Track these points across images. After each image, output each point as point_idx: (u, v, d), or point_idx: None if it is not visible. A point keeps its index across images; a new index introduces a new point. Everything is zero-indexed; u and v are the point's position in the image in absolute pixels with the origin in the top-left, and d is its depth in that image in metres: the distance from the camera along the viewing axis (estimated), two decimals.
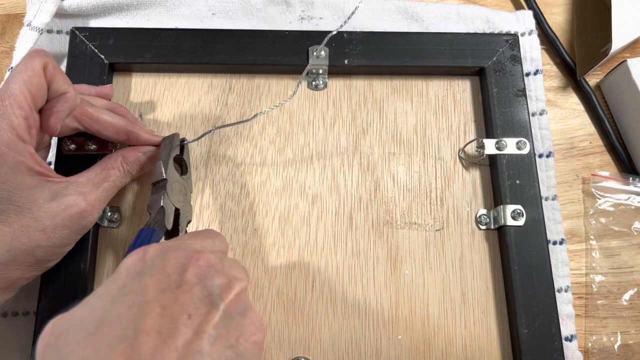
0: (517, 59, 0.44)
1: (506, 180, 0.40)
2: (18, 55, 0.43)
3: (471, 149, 0.43)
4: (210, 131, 0.40)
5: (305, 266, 0.40)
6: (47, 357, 0.24)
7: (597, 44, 0.47)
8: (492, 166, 0.42)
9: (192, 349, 0.23)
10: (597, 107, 0.47)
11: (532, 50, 0.47)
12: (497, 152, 0.41)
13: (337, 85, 0.44)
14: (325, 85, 0.44)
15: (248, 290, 0.30)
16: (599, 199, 0.45)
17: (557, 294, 0.40)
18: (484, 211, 0.42)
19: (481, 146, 0.42)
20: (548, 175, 0.44)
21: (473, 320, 0.39)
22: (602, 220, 0.44)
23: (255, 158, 0.42)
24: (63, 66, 0.43)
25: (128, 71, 0.44)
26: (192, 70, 0.44)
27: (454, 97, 0.45)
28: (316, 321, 0.39)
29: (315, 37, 0.43)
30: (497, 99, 0.42)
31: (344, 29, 0.46)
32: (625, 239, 0.44)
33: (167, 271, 0.25)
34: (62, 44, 0.46)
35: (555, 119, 0.48)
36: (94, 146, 0.39)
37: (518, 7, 0.50)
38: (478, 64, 0.43)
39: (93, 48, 0.42)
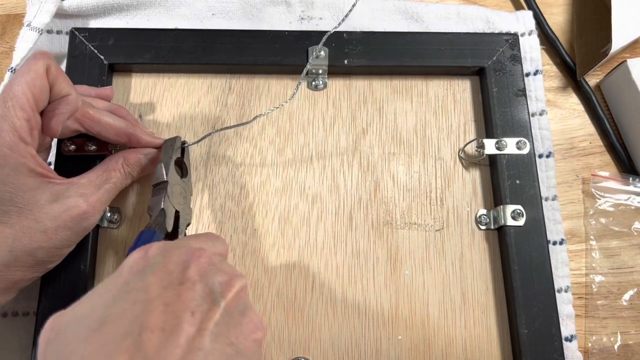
0: (517, 59, 0.44)
1: (506, 180, 0.40)
2: (18, 56, 0.43)
3: (471, 149, 0.43)
4: (210, 134, 0.40)
5: (305, 266, 0.40)
6: (49, 353, 0.24)
7: (597, 44, 0.47)
8: (492, 166, 0.42)
9: (195, 346, 0.23)
10: (597, 107, 0.47)
11: (532, 51, 0.47)
12: (497, 152, 0.41)
13: (337, 85, 0.44)
14: (325, 86, 0.44)
15: (248, 289, 0.31)
16: (599, 199, 0.45)
17: (557, 294, 0.40)
18: (484, 211, 0.42)
19: (481, 146, 0.42)
20: (548, 176, 0.44)
21: (473, 320, 0.39)
22: (602, 220, 0.44)
23: (255, 158, 0.42)
24: (63, 66, 0.43)
25: (128, 72, 0.44)
26: (191, 70, 0.44)
27: (454, 97, 0.45)
28: (316, 321, 0.39)
29: (315, 37, 0.43)
30: (497, 99, 0.42)
31: (344, 29, 0.46)
32: (625, 239, 0.44)
33: (169, 268, 0.26)
34: (61, 44, 0.46)
35: (555, 119, 0.48)
36: (94, 147, 0.39)
37: (518, 7, 0.50)
38: (478, 64, 0.43)
39: (92, 48, 0.42)
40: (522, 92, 0.43)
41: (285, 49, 0.43)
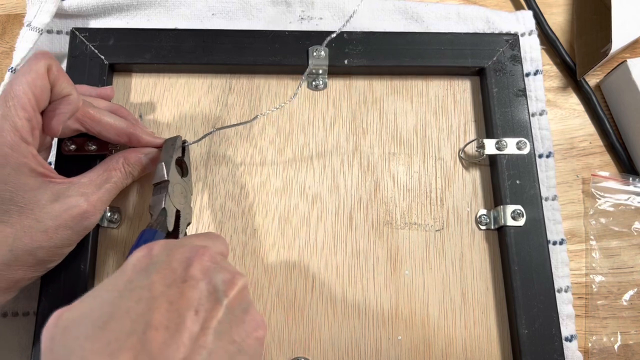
0: (517, 59, 0.44)
1: (506, 180, 0.40)
2: (18, 56, 0.43)
3: (471, 149, 0.43)
4: (211, 132, 0.40)
5: (305, 266, 0.40)
6: (55, 350, 0.24)
7: (597, 44, 0.47)
8: (492, 166, 0.42)
9: (199, 344, 0.23)
10: (597, 107, 0.47)
11: (532, 51, 0.47)
12: (497, 152, 0.41)
13: (337, 85, 0.44)
14: (325, 86, 0.44)
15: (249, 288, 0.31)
16: (599, 199, 0.45)
17: (557, 294, 0.40)
18: (484, 211, 0.42)
19: (481, 146, 0.42)
20: (548, 176, 0.44)
21: (473, 320, 0.39)
22: (602, 220, 0.44)
23: (255, 158, 0.42)
24: (63, 66, 0.43)
25: (128, 72, 0.44)
26: (192, 70, 0.44)
27: (454, 97, 0.45)
28: (316, 321, 0.39)
29: (315, 37, 0.43)
30: (497, 99, 0.42)
31: (344, 29, 0.46)
32: (625, 239, 0.44)
33: (173, 266, 0.26)
34: (62, 44, 0.46)
35: (555, 119, 0.48)
36: (94, 147, 0.39)
37: (518, 7, 0.50)
38: (478, 64, 0.43)
39: (93, 48, 0.42)
40: (522, 92, 0.43)
41: (285, 49, 0.43)
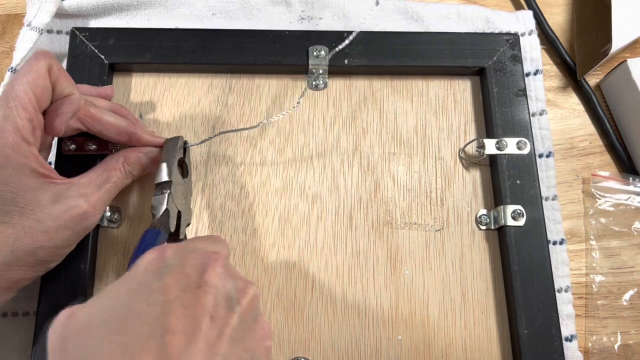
0: (517, 59, 0.44)
1: (506, 180, 0.40)
2: (18, 56, 0.43)
3: (471, 149, 0.43)
4: (214, 136, 0.40)
5: (305, 266, 0.40)
6: (68, 351, 0.24)
7: (597, 44, 0.47)
8: (492, 166, 0.42)
9: (215, 350, 0.23)
10: (597, 107, 0.47)
11: (532, 50, 0.47)
12: (498, 152, 0.41)
13: (337, 85, 0.44)
14: (325, 85, 0.44)
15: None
16: (599, 199, 0.45)
17: (557, 294, 0.40)
18: (484, 211, 0.42)
19: (481, 146, 0.42)
20: (548, 175, 0.44)
21: (473, 320, 0.39)
22: (602, 220, 0.44)
23: (255, 158, 0.42)
24: (63, 66, 0.43)
25: (128, 71, 0.44)
26: (192, 70, 0.44)
27: (454, 97, 0.45)
28: (316, 321, 0.39)
29: (315, 37, 0.43)
30: (497, 99, 0.42)
31: (344, 29, 0.46)
32: (625, 239, 0.44)
33: (187, 271, 0.26)
34: (62, 44, 0.45)
35: (555, 119, 0.48)
36: (94, 146, 0.39)
37: (518, 7, 0.50)
38: (478, 64, 0.43)
39: (93, 48, 0.42)
40: (523, 92, 0.43)
41: (285, 49, 0.43)
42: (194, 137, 0.42)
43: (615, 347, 0.42)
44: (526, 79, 0.45)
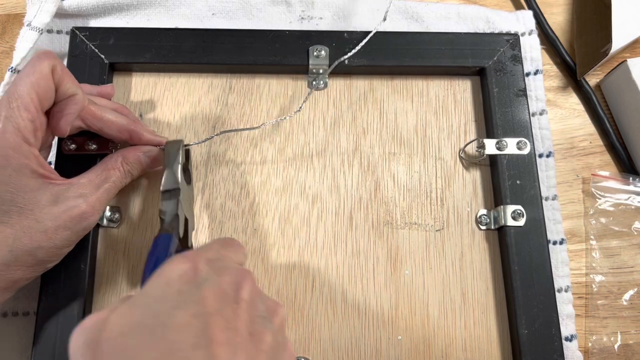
0: (517, 59, 0.44)
1: (506, 180, 0.40)
2: (18, 55, 0.43)
3: (471, 149, 0.43)
4: (214, 136, 0.40)
5: (305, 266, 0.40)
6: (107, 353, 0.23)
7: (597, 44, 0.47)
8: (492, 166, 0.42)
9: None
10: (597, 107, 0.47)
11: (532, 50, 0.47)
12: (498, 152, 0.41)
13: (337, 85, 0.44)
14: (326, 85, 0.44)
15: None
16: (599, 199, 0.45)
17: (557, 294, 0.40)
18: (484, 211, 0.42)
19: (481, 146, 0.42)
20: (548, 175, 0.44)
21: (473, 320, 0.39)
22: (602, 220, 0.44)
23: (255, 158, 0.42)
24: None
25: (128, 71, 0.44)
26: (192, 70, 0.44)
27: (455, 97, 0.45)
28: (316, 321, 0.39)
29: (315, 37, 0.43)
30: (497, 99, 0.42)
31: (344, 28, 0.46)
32: (625, 239, 0.44)
33: (223, 287, 0.26)
34: (62, 44, 0.45)
35: (555, 119, 0.48)
36: (94, 146, 0.39)
37: (518, 7, 0.50)
38: (478, 64, 0.43)
39: (93, 48, 0.42)
40: (523, 92, 0.43)
41: (285, 49, 0.43)
42: (194, 137, 0.42)
43: (615, 347, 0.42)
44: (526, 78, 0.45)
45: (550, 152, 0.44)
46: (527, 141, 0.41)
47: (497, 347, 0.39)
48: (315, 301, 0.39)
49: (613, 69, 0.47)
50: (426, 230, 0.41)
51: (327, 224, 0.41)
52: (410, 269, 0.40)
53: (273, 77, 0.44)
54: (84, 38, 0.42)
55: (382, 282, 0.40)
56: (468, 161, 0.43)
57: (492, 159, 0.42)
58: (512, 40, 0.44)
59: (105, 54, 0.42)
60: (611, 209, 0.45)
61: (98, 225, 0.40)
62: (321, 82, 0.44)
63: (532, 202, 0.40)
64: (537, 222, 0.40)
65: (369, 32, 0.44)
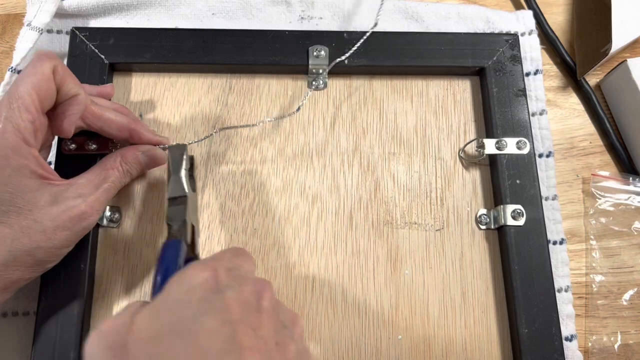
0: (517, 59, 0.44)
1: (506, 180, 0.40)
2: (18, 55, 0.43)
3: (471, 148, 0.43)
4: (212, 134, 0.40)
5: (305, 266, 0.40)
6: (136, 356, 0.24)
7: (597, 44, 0.47)
8: (492, 166, 0.42)
9: None
10: (597, 107, 0.47)
11: (532, 50, 0.47)
12: (497, 152, 0.41)
13: (337, 85, 0.44)
14: (325, 85, 0.44)
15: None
16: (599, 198, 0.45)
17: (557, 294, 0.40)
18: (484, 211, 0.42)
19: (481, 146, 0.42)
20: (548, 175, 0.44)
21: (473, 320, 0.39)
22: (602, 220, 0.44)
23: (255, 158, 0.42)
24: None
25: (128, 71, 0.44)
26: (192, 70, 0.44)
27: (454, 97, 0.45)
28: (316, 321, 0.39)
29: (315, 37, 0.43)
30: (497, 99, 0.42)
31: (344, 29, 0.46)
32: (625, 239, 0.44)
33: (245, 296, 0.26)
34: (62, 44, 0.45)
35: (555, 119, 0.48)
36: (94, 146, 0.39)
37: (518, 7, 0.50)
38: (478, 64, 0.43)
39: (93, 48, 0.42)
40: (522, 92, 0.43)
41: (285, 49, 0.43)
42: (194, 137, 0.42)
43: (615, 346, 0.42)
44: (526, 78, 0.45)
45: (550, 152, 0.44)
46: (526, 141, 0.41)
47: (497, 347, 0.39)
48: (316, 301, 0.39)
49: (613, 69, 0.47)
50: (426, 230, 0.41)
51: (327, 223, 0.41)
52: (410, 269, 0.40)
53: (273, 77, 0.44)
54: (84, 38, 0.42)
55: (382, 281, 0.40)
56: (468, 161, 0.43)
57: (492, 158, 0.42)
58: (512, 40, 0.44)
59: (105, 54, 0.42)
60: (611, 209, 0.45)
61: (98, 225, 0.40)
62: (321, 82, 0.44)
63: (532, 201, 0.40)
64: (537, 222, 0.40)
65: (369, 32, 0.44)
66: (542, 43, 0.48)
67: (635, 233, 0.44)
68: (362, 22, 0.47)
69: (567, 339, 0.40)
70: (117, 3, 0.46)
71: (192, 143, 0.40)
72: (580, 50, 0.48)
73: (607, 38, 0.45)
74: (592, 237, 0.44)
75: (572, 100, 0.48)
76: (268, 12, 0.48)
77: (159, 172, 0.42)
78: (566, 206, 0.45)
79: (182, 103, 0.44)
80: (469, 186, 0.42)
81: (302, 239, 0.41)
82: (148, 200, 0.41)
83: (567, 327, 0.40)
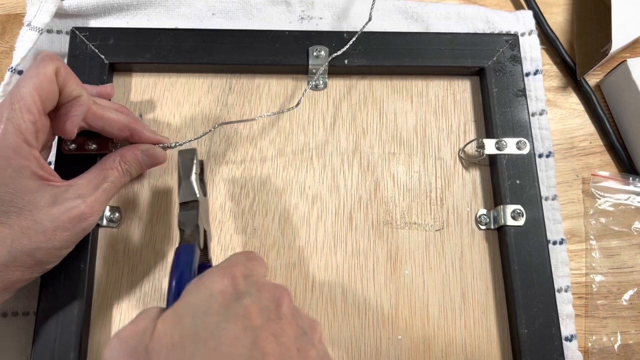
0: (517, 59, 0.44)
1: (506, 180, 0.40)
2: (18, 55, 0.43)
3: (471, 149, 0.43)
4: (211, 130, 0.40)
5: (305, 266, 0.40)
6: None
7: (597, 44, 0.47)
8: (492, 166, 0.42)
9: None
10: (597, 107, 0.47)
11: (532, 50, 0.47)
12: (497, 152, 0.41)
13: (337, 85, 0.44)
14: (325, 85, 0.44)
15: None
16: (599, 199, 0.45)
17: (557, 294, 0.40)
18: (484, 211, 0.42)
19: (481, 146, 0.42)
20: (548, 175, 0.44)
21: (473, 320, 0.39)
22: (602, 220, 0.44)
23: (255, 158, 0.42)
24: None
25: (128, 71, 0.44)
26: (192, 70, 0.44)
27: (454, 97, 0.45)
28: None
29: (315, 37, 0.43)
30: (497, 99, 0.42)
31: (344, 29, 0.46)
32: (625, 239, 0.44)
33: (264, 303, 0.26)
34: (62, 44, 0.45)
35: (555, 119, 0.48)
36: (94, 146, 0.39)
37: (518, 7, 0.50)
38: (478, 64, 0.43)
39: (93, 48, 0.42)
40: (522, 93, 0.43)
41: (285, 49, 0.43)
42: (194, 137, 0.42)
43: (615, 347, 0.42)
44: (526, 78, 0.45)
45: (550, 152, 0.44)
46: (526, 141, 0.41)
47: (497, 347, 0.39)
48: (315, 301, 0.39)
49: (613, 69, 0.47)
50: (426, 230, 0.41)
51: (327, 224, 0.41)
52: (410, 269, 0.40)
53: (273, 77, 0.44)
54: (84, 38, 0.42)
55: (382, 282, 0.40)
56: (468, 161, 0.43)
57: (492, 158, 0.42)
58: (512, 40, 0.44)
59: (105, 54, 0.42)
60: (611, 209, 0.45)
61: (98, 225, 0.40)
62: (321, 82, 0.44)
63: (532, 201, 0.40)
64: (536, 222, 0.40)
65: (369, 32, 0.44)
66: (542, 43, 0.48)
67: (635, 233, 0.44)
68: (362, 22, 0.47)
69: (567, 339, 0.40)
70: (117, 3, 0.46)
71: (191, 141, 0.40)
72: (580, 50, 0.48)
73: (607, 38, 0.45)
74: (592, 237, 0.44)
75: (572, 100, 0.48)
76: (268, 12, 0.48)
77: (159, 172, 0.42)
78: (566, 206, 0.45)
79: (182, 103, 0.44)
80: (468, 186, 0.42)
81: (302, 239, 0.41)
82: (148, 200, 0.41)
83: (567, 327, 0.40)
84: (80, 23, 0.46)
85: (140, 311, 0.27)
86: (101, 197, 0.35)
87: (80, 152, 0.39)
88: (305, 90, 0.41)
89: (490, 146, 0.41)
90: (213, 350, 0.23)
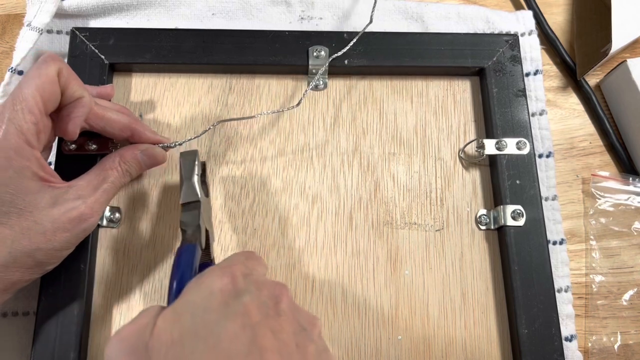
0: (517, 59, 0.44)
1: (506, 180, 0.40)
2: (18, 56, 0.43)
3: (471, 149, 0.43)
4: (210, 127, 0.40)
5: (305, 266, 0.40)
6: (160, 358, 0.24)
7: (597, 44, 0.47)
8: (492, 166, 0.42)
9: None
10: (597, 107, 0.47)
11: (532, 51, 0.47)
12: (497, 152, 0.41)
13: (337, 85, 0.44)
14: (325, 86, 0.44)
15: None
16: (599, 199, 0.45)
17: (557, 294, 0.40)
18: (484, 211, 0.42)
19: (481, 146, 0.42)
20: (548, 176, 0.44)
21: (473, 320, 0.39)
22: (602, 220, 0.44)
23: (255, 158, 0.42)
24: None
25: (128, 71, 0.44)
26: (192, 70, 0.44)
27: (454, 97, 0.45)
28: None
29: (315, 37, 0.43)
30: (497, 99, 0.42)
31: (344, 29, 0.46)
32: (625, 239, 0.44)
33: (263, 299, 0.27)
34: (62, 44, 0.45)
35: (555, 119, 0.48)
36: (94, 146, 0.39)
37: (518, 7, 0.50)
38: (478, 64, 0.43)
39: (93, 48, 0.42)
40: (522, 93, 0.43)
41: (285, 49, 0.43)
42: (194, 136, 0.42)
43: (615, 347, 0.42)
44: (526, 79, 0.45)
45: (550, 152, 0.44)
46: (526, 141, 0.41)
47: (497, 347, 0.39)
48: (315, 301, 0.39)
49: (613, 69, 0.47)
50: (426, 230, 0.41)
51: (327, 224, 0.41)
52: (410, 269, 0.40)
53: (273, 78, 0.44)
54: (84, 38, 0.42)
55: (382, 282, 0.40)
56: (468, 161, 0.43)
57: (492, 159, 0.42)
58: (511, 40, 0.44)
59: (105, 55, 0.42)
60: (611, 209, 0.45)
61: (98, 226, 0.40)
62: (321, 82, 0.44)
63: (532, 202, 0.40)
64: (536, 222, 0.40)
65: (369, 32, 0.44)
66: (542, 43, 0.48)
67: (635, 233, 0.44)
68: (362, 23, 0.47)
69: (567, 339, 0.40)
70: (117, 3, 0.46)
71: (190, 140, 0.40)
72: (580, 50, 0.48)
73: (607, 38, 0.45)
74: (592, 237, 0.44)
75: (572, 101, 0.48)
76: (268, 12, 0.48)
77: (159, 172, 0.42)
78: (566, 206, 0.45)
79: (182, 103, 0.44)
80: (468, 186, 0.42)
81: (302, 239, 0.41)
82: (148, 200, 0.41)
83: (567, 327, 0.40)
84: (80, 23, 0.46)
85: (141, 310, 0.27)
86: (101, 198, 0.35)
87: (81, 152, 0.39)
88: (306, 91, 0.41)
89: (490, 146, 0.41)
90: (212, 347, 0.24)
